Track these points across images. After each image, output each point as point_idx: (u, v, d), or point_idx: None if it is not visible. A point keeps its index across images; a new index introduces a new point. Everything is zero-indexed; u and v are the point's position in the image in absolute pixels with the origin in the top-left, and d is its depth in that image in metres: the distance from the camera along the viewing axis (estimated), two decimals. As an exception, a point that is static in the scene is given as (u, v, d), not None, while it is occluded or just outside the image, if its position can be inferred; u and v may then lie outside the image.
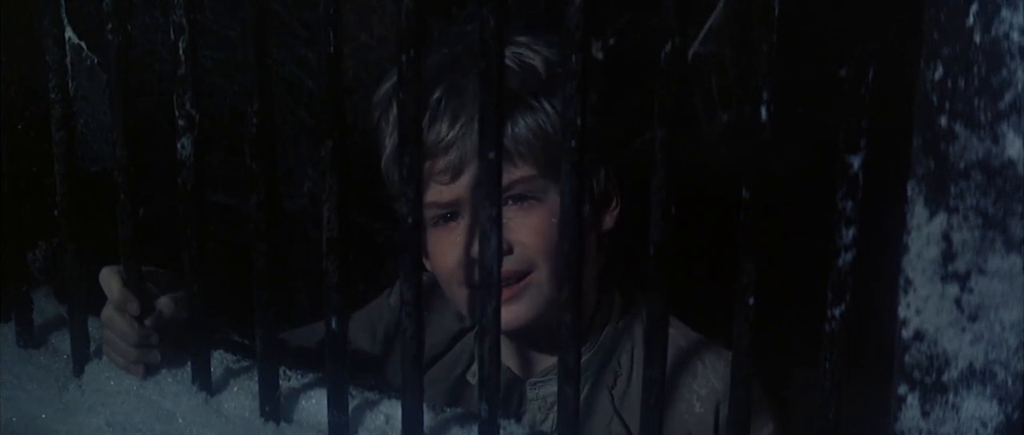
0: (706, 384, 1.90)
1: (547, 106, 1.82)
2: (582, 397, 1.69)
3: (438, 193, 1.83)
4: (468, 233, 1.82)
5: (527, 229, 1.83)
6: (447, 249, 1.86)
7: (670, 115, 1.30)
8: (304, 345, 2.01)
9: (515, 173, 1.82)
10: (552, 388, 1.95)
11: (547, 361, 1.97)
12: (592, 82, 1.86)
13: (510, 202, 1.83)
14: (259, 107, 1.55)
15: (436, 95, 1.79)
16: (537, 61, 1.83)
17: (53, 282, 2.08)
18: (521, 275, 1.83)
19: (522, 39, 1.85)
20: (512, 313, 1.79)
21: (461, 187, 1.81)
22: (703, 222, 2.08)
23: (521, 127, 1.80)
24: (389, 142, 1.86)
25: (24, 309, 1.99)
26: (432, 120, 1.80)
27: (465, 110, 1.79)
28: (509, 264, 1.76)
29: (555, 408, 1.92)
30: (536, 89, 1.83)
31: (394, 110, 1.84)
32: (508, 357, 1.95)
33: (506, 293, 1.76)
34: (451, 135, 1.80)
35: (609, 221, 1.93)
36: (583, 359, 1.53)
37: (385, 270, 2.20)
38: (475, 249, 1.79)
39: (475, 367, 2.01)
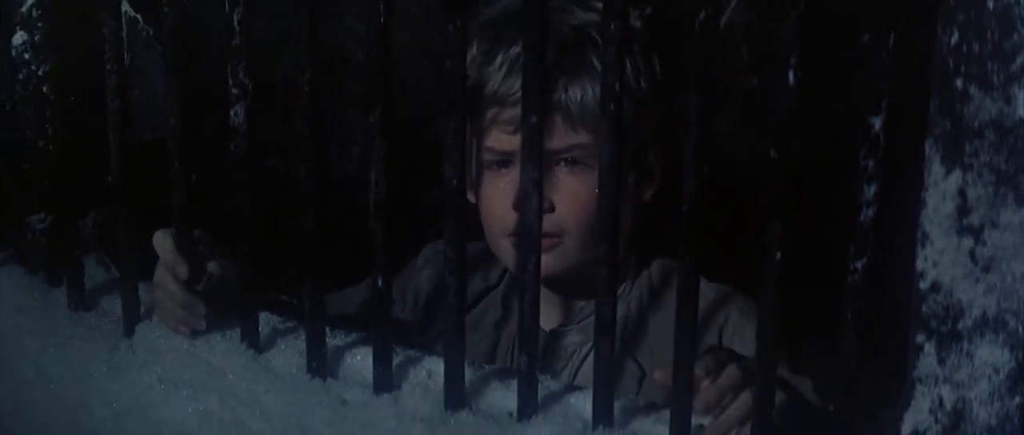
0: (730, 327, 2.00)
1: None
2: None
3: (498, 140, 1.93)
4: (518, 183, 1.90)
5: (570, 194, 1.93)
6: (497, 194, 1.96)
7: (703, 80, 1.39)
8: (341, 311, 2.09)
9: (574, 138, 1.92)
10: (573, 338, 2.05)
11: (569, 312, 2.08)
12: (648, 60, 1.93)
13: (562, 164, 1.93)
14: (310, 76, 1.63)
15: (517, 49, 1.85)
16: None
17: (106, 248, 2.13)
18: (552, 236, 1.92)
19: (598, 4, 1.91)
20: None
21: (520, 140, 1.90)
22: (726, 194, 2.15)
23: (590, 95, 1.88)
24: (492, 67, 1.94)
25: (76, 273, 2.04)
26: (508, 72, 1.89)
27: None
28: (543, 224, 1.84)
29: (575, 357, 2.03)
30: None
31: (498, 60, 1.93)
32: None
33: None
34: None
35: (648, 194, 2.02)
36: None
37: (427, 232, 2.27)
38: None
39: (502, 320, 2.11)
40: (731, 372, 1.56)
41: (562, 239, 1.94)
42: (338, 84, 2.49)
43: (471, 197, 1.98)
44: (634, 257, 2.08)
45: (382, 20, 1.54)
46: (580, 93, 1.88)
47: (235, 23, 1.68)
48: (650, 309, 2.04)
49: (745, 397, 1.57)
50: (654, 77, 1.95)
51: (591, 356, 1.95)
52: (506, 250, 1.99)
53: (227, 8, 1.68)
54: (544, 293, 2.01)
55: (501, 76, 1.90)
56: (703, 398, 1.57)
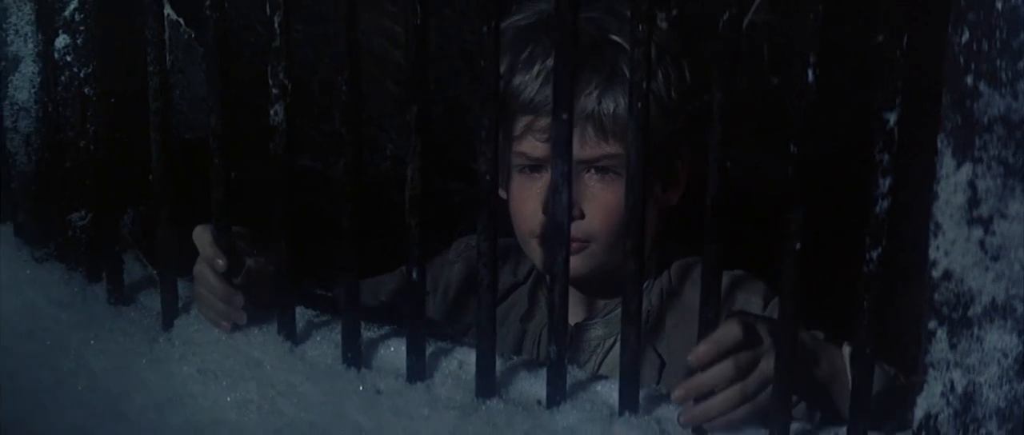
0: (737, 307, 2.04)
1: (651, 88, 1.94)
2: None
3: (532, 147, 1.97)
4: (548, 188, 1.95)
5: (599, 203, 1.98)
6: (528, 197, 2.01)
7: (727, 77, 1.45)
8: (374, 297, 2.16)
9: (605, 148, 1.96)
10: (597, 331, 2.11)
11: (593, 308, 2.13)
12: (679, 67, 1.98)
13: (593, 171, 1.98)
14: (348, 76, 1.69)
15: (551, 61, 1.86)
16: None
17: (142, 246, 2.19)
18: (580, 241, 1.97)
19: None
20: None
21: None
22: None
23: (622, 107, 1.92)
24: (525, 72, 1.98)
25: (115, 269, 2.09)
26: (544, 82, 1.93)
27: (578, 81, 1.84)
28: (572, 230, 1.89)
29: (599, 350, 2.08)
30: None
31: (535, 70, 1.97)
32: None
33: None
34: None
35: (673, 200, 2.08)
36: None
37: (458, 227, 2.33)
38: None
39: (528, 314, 2.17)
40: (724, 367, 1.62)
41: (589, 244, 2.00)
42: (374, 83, 2.54)
43: (502, 194, 2.03)
44: (656, 256, 2.13)
45: (418, 21, 1.61)
46: (613, 105, 1.93)
47: (276, 25, 1.74)
48: (669, 304, 2.10)
49: (732, 392, 1.62)
50: (684, 84, 1.99)
51: (614, 348, 2.02)
52: (535, 250, 2.04)
53: (268, 10, 1.74)
54: (569, 290, 2.07)
55: (537, 85, 1.95)
56: (680, 393, 1.64)
